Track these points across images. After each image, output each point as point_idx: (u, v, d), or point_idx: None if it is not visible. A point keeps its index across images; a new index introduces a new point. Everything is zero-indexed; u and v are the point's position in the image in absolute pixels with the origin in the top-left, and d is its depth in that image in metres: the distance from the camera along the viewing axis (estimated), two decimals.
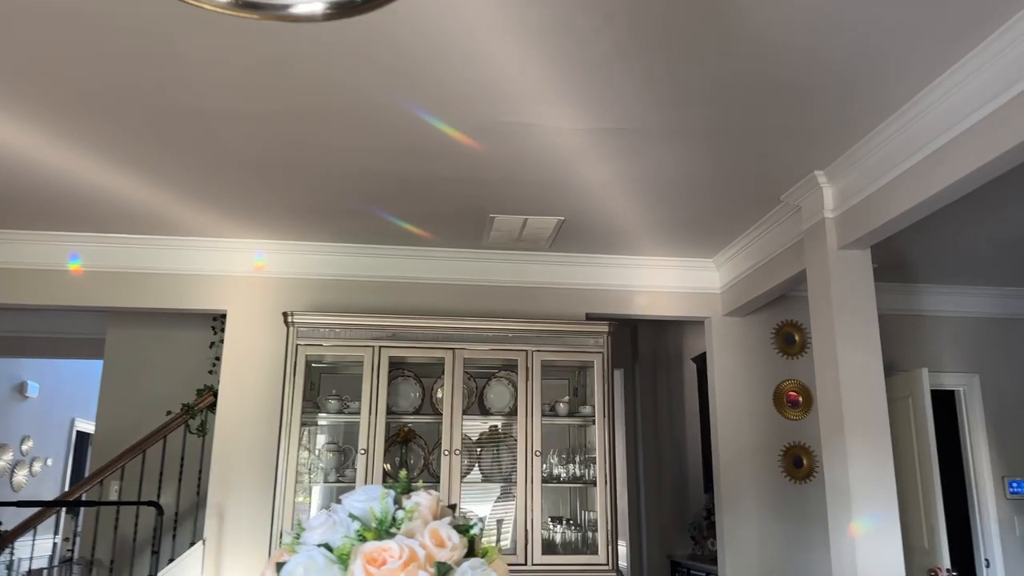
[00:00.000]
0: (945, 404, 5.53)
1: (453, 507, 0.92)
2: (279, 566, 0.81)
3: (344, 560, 0.78)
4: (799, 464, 5.03)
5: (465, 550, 0.84)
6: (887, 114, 3.23)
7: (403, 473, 0.96)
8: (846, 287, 3.72)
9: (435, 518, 0.86)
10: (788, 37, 2.65)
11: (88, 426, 9.36)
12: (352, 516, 0.84)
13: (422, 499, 0.87)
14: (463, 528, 0.86)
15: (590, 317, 5.07)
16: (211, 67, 2.84)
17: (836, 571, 3.57)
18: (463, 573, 0.79)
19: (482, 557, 0.84)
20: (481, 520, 4.69)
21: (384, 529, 0.82)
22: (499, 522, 4.71)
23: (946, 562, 4.55)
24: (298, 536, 0.86)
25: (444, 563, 0.79)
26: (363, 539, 0.81)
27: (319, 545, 0.81)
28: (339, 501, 0.89)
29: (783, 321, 5.25)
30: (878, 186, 3.46)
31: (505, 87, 2.96)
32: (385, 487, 0.88)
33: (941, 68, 2.89)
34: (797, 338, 5.24)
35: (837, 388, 3.63)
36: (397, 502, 0.87)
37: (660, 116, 3.20)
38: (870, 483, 3.49)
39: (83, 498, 4.79)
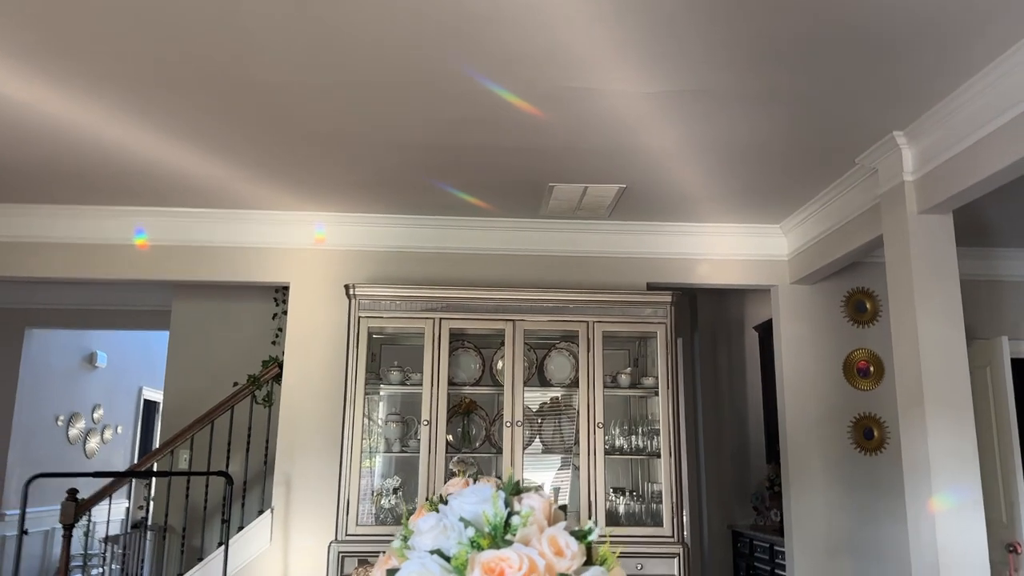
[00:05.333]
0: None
1: (564, 508, 0.87)
2: (390, 573, 0.77)
3: (460, 569, 0.74)
4: (869, 435, 4.89)
5: (584, 558, 0.79)
6: (974, 71, 3.04)
7: (508, 471, 0.92)
8: (926, 254, 3.55)
9: (550, 523, 0.81)
10: None
11: (155, 394, 9.64)
12: (463, 520, 0.79)
13: (536, 503, 0.82)
14: (580, 534, 0.81)
15: (651, 286, 4.98)
16: (275, 39, 2.80)
17: (915, 548, 3.46)
18: None
19: (600, 564, 0.80)
20: (540, 487, 4.68)
21: (499, 536, 0.77)
22: (556, 490, 4.71)
23: None
24: (405, 539, 0.82)
25: (564, 574, 0.74)
26: (477, 546, 0.76)
27: (431, 552, 0.77)
28: (445, 501, 0.85)
29: (854, 288, 5.08)
30: (963, 147, 3.27)
31: (569, 50, 2.86)
32: (495, 487, 0.83)
33: None
34: (869, 306, 5.06)
35: (916, 359, 3.48)
36: (508, 504, 0.82)
37: (731, 77, 3.06)
38: (951, 458, 3.36)
39: (155, 467, 4.92)
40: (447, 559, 0.76)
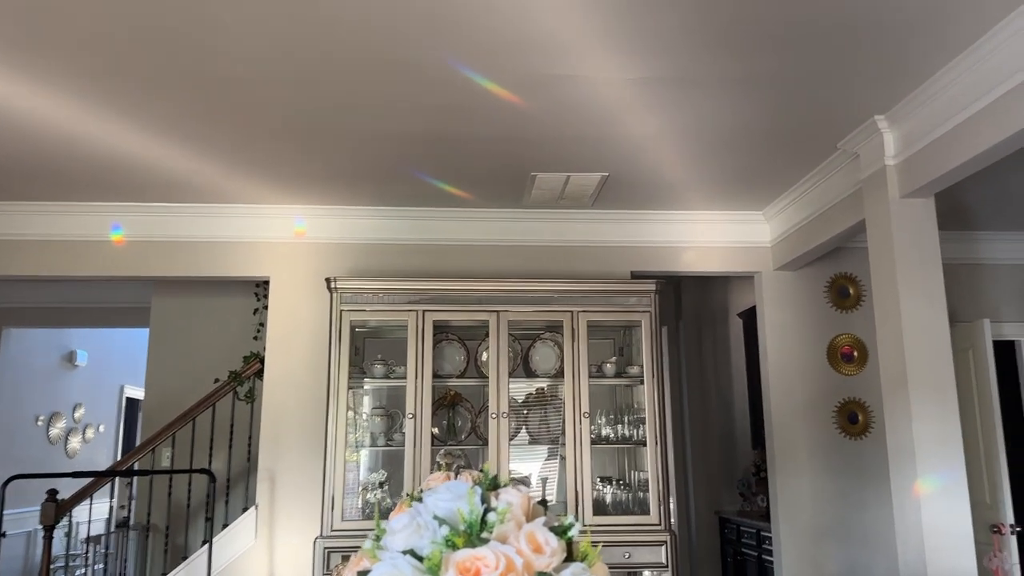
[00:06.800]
0: (1005, 355, 5.33)
1: (544, 503, 0.84)
2: (361, 575, 0.74)
3: (434, 570, 0.71)
4: (854, 420, 4.90)
5: (564, 555, 0.76)
6: (955, 53, 3.03)
7: (486, 466, 0.89)
8: (909, 238, 3.55)
9: (528, 518, 0.78)
10: None
11: (137, 392, 9.53)
12: (438, 518, 0.76)
13: (513, 498, 0.79)
14: (560, 529, 0.78)
15: (635, 275, 4.96)
16: (249, 31, 2.74)
17: (900, 531, 3.47)
18: None
19: (581, 560, 0.77)
20: (526, 478, 4.67)
21: (475, 533, 0.74)
22: (544, 480, 4.69)
23: (1010, 517, 4.43)
24: (378, 539, 0.79)
25: (544, 572, 0.71)
26: (452, 545, 0.73)
27: (404, 552, 0.74)
28: (420, 499, 0.81)
29: (837, 274, 5.08)
30: (944, 130, 3.26)
31: (548, 36, 2.82)
32: (471, 482, 0.80)
33: (1014, 3, 2.69)
34: (852, 291, 5.07)
35: (900, 343, 3.48)
36: (484, 500, 0.79)
37: (711, 63, 3.03)
38: (935, 441, 3.37)
39: (136, 466, 4.85)
40: (420, 559, 0.73)
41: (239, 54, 2.92)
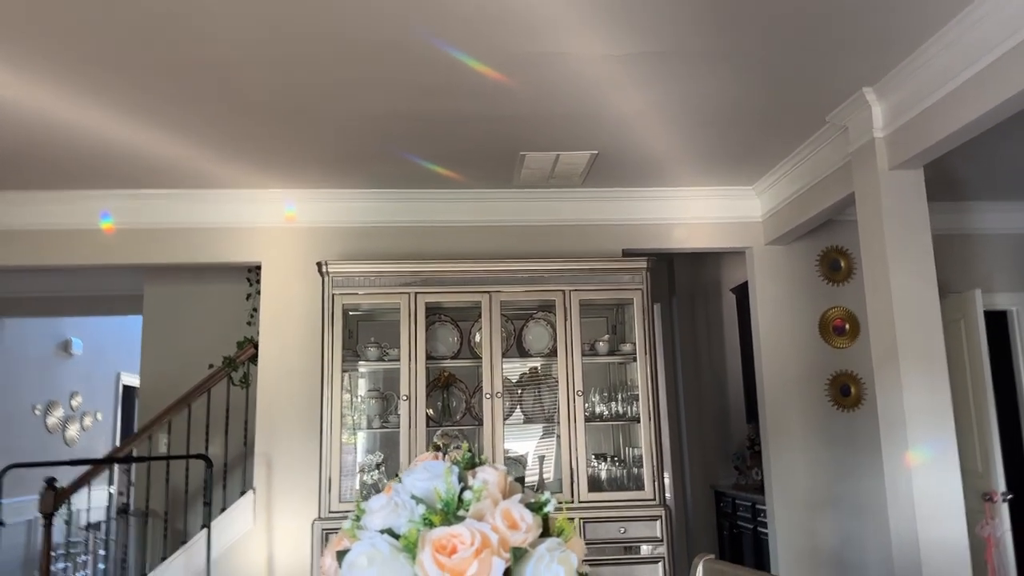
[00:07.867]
0: (997, 324, 5.36)
1: (520, 480, 0.85)
2: (340, 555, 0.75)
3: (410, 548, 0.72)
4: (847, 392, 4.93)
5: (540, 530, 0.77)
6: (941, 24, 3.02)
7: (464, 446, 0.89)
8: (898, 209, 3.55)
9: (504, 496, 0.79)
10: None
11: (133, 379, 9.54)
12: (415, 498, 0.77)
13: (489, 476, 0.80)
14: (536, 506, 0.79)
15: (627, 253, 4.96)
16: (229, 13, 2.72)
17: (892, 501, 3.51)
18: (540, 557, 0.72)
19: (557, 536, 0.78)
20: (522, 457, 4.70)
21: (451, 511, 0.75)
22: (541, 459, 4.72)
23: (1001, 486, 4.47)
24: (358, 519, 0.80)
25: (519, 547, 0.72)
26: (429, 523, 0.74)
27: (382, 531, 0.74)
28: (399, 479, 0.82)
29: (828, 247, 5.09)
30: (932, 102, 3.26)
31: (533, 13, 2.80)
32: (449, 462, 0.81)
33: None
34: (843, 264, 5.08)
35: (890, 314, 3.50)
36: (462, 479, 0.80)
37: (698, 37, 3.02)
38: (926, 412, 3.39)
39: (134, 452, 4.87)
40: (398, 537, 0.74)
41: (224, 37, 2.90)
